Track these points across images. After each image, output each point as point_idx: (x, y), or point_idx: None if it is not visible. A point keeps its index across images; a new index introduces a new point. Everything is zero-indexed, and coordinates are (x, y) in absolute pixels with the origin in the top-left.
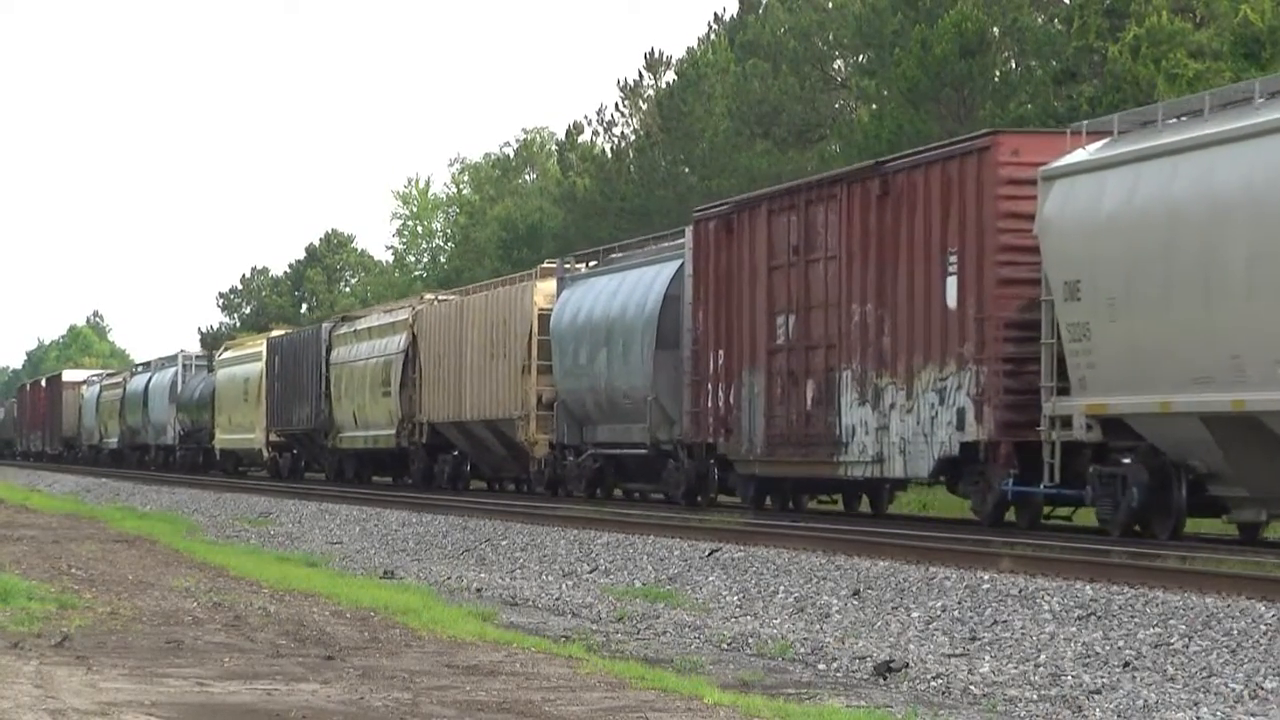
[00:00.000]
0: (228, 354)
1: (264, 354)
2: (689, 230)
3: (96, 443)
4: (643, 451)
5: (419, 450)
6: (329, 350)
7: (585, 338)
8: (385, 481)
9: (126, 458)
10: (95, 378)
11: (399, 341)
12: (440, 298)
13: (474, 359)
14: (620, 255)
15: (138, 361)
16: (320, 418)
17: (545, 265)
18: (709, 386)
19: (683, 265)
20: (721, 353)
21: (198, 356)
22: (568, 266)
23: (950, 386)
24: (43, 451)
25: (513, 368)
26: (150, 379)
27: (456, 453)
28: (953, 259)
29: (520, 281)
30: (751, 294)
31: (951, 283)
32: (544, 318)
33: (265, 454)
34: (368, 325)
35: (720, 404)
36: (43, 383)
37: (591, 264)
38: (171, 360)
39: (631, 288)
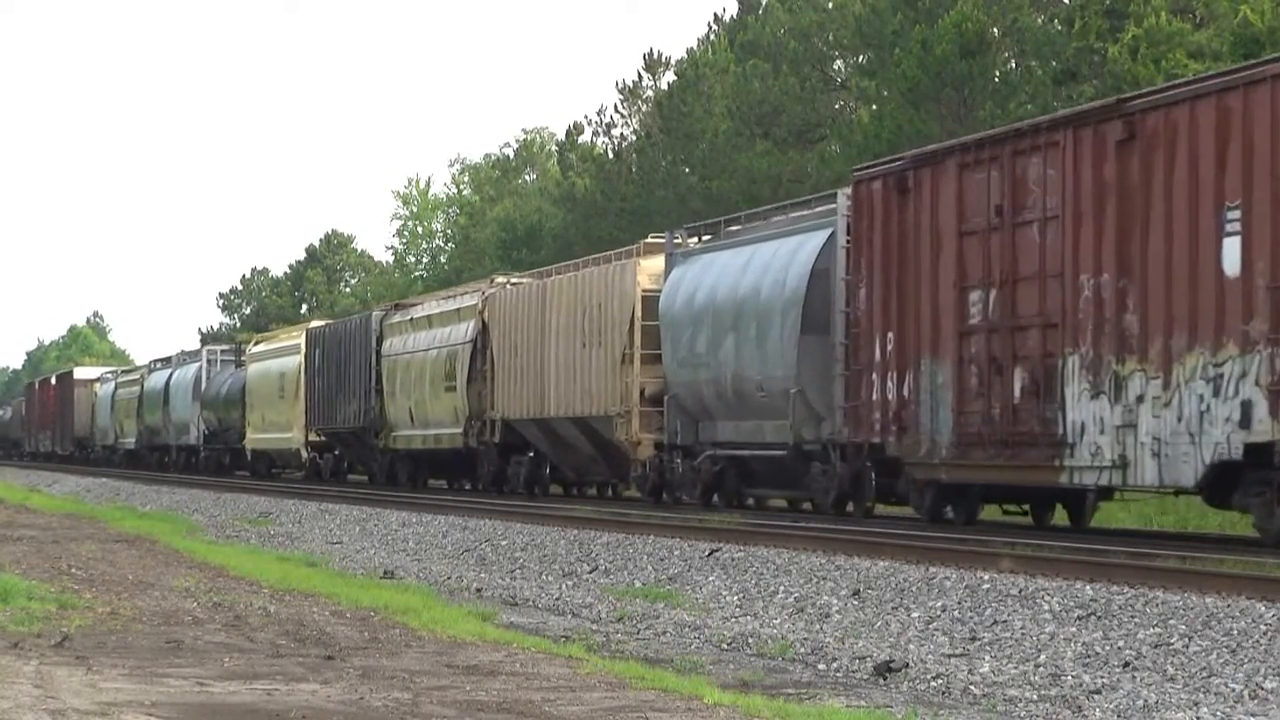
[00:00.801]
0: (260, 347)
1: (303, 346)
2: (842, 194)
3: (111, 443)
4: (778, 453)
5: (490, 451)
6: (380, 341)
7: (705, 321)
8: (448, 485)
9: (144, 459)
10: (110, 374)
11: (466, 330)
12: (513, 280)
13: (560, 348)
14: (742, 228)
15: (156, 357)
16: (369, 415)
17: (650, 240)
18: (872, 377)
19: (833, 235)
20: (891, 336)
21: (224, 350)
22: (678, 242)
23: (1230, 374)
24: (52, 452)
25: (610, 358)
26: (172, 375)
27: (532, 454)
28: (1233, 215)
29: (618, 260)
30: (934, 266)
31: (1231, 245)
32: (649, 300)
33: (304, 455)
34: (427, 313)
35: (889, 397)
36: (52, 380)
37: (705, 238)
38: (195, 355)
39: (766, 263)
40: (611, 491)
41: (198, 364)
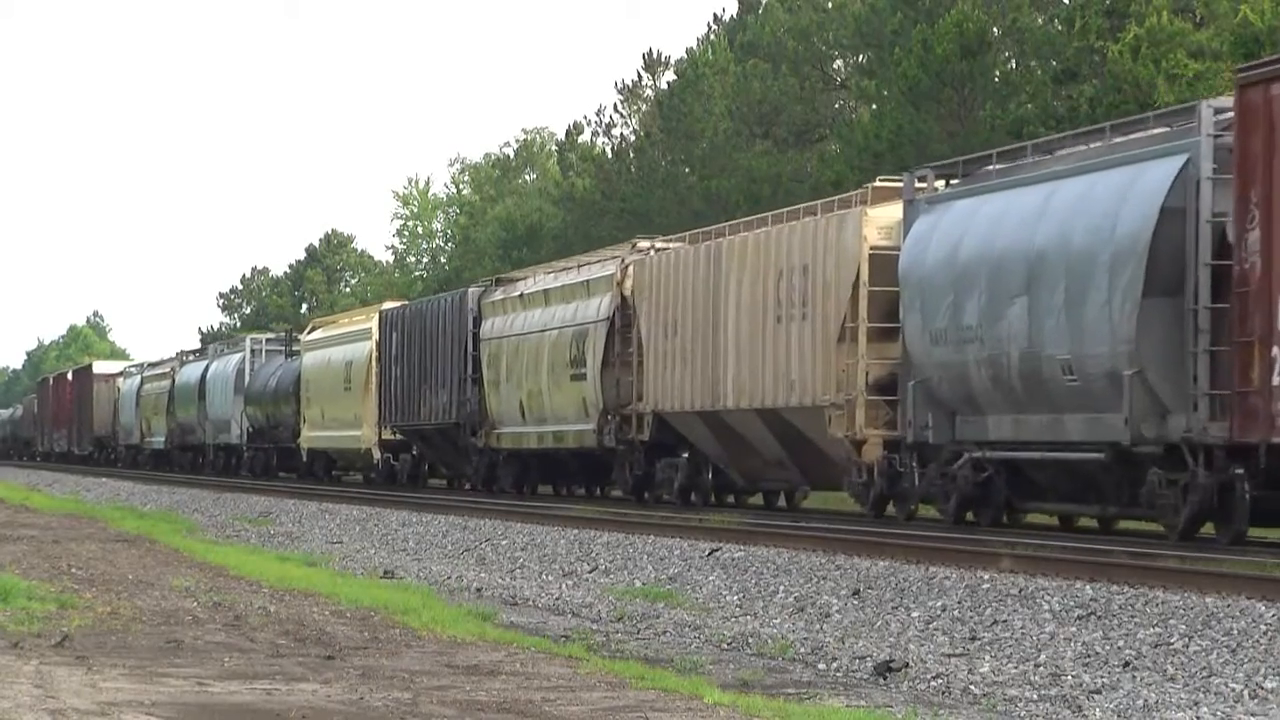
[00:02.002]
0: (318, 334)
1: (374, 331)
2: (1207, 106)
3: (137, 442)
4: (1087, 456)
5: (634, 451)
6: (478, 321)
7: (976, 284)
8: (557, 491)
9: (175, 460)
10: (134, 368)
11: (598, 306)
12: (659, 245)
13: (741, 324)
14: (1027, 162)
15: (188, 349)
16: (466, 409)
17: (880, 184)
18: (1272, 353)
19: (1189, 161)
20: None
21: (270, 339)
22: (922, 186)
23: None
24: (69, 452)
25: (820, 334)
26: (208, 367)
27: (688, 455)
28: None
29: (833, 210)
30: None
31: None
32: (880, 260)
33: (375, 455)
34: (542, 288)
35: None
36: (69, 376)
37: (962, 177)
38: (236, 344)
39: (1074, 204)
40: (786, 501)
41: (239, 354)
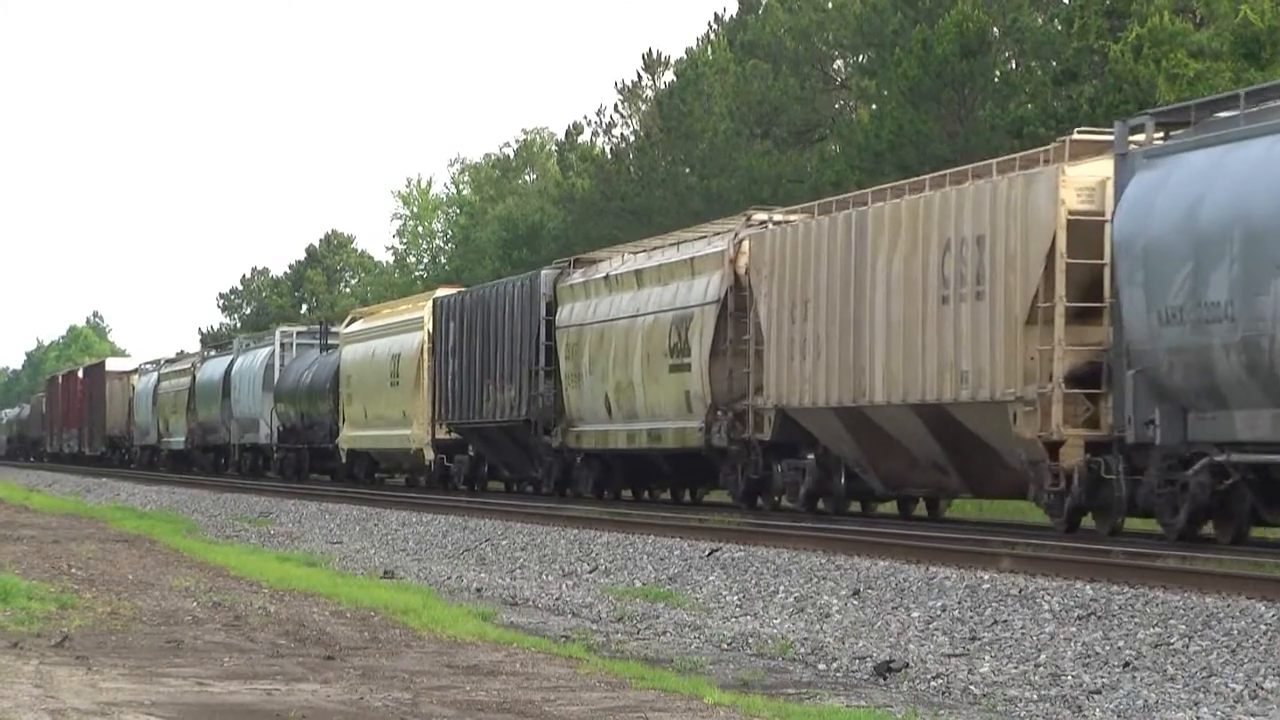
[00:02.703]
0: (359, 325)
1: (426, 320)
2: None
3: (153, 442)
4: None
5: (750, 452)
6: (552, 308)
7: (1225, 250)
8: (638, 496)
9: (196, 461)
10: (150, 365)
11: (705, 287)
12: (778, 217)
13: (893, 306)
14: (1271, 107)
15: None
16: (538, 405)
17: (1079, 137)
18: None
19: None
20: None
21: (302, 332)
22: (1136, 139)
23: None
24: (80, 453)
25: (1004, 316)
26: (234, 362)
27: (813, 455)
28: None
29: (1014, 170)
30: None
31: None
32: (1081, 227)
33: (427, 456)
34: (633, 268)
35: None
36: (79, 373)
37: (1194, 124)
38: (261, 338)
39: None
40: (928, 509)
41: (268, 348)
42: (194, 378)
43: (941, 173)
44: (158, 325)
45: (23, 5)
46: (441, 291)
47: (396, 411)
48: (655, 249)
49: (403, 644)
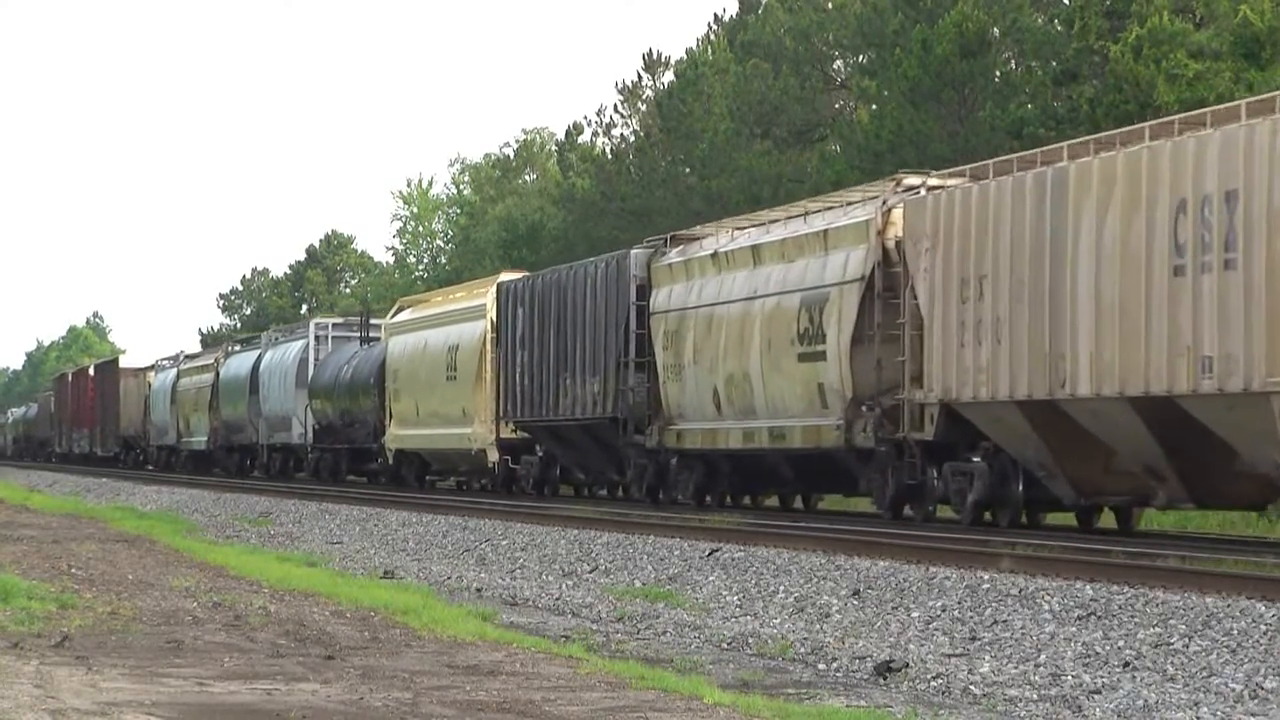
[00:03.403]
0: (407, 315)
1: (489, 308)
2: None
3: (172, 443)
4: None
5: (905, 453)
6: (645, 291)
7: None
8: (734, 501)
9: (219, 462)
10: (167, 361)
11: (847, 262)
12: (934, 182)
13: (1104, 280)
14: None
15: (239, 337)
16: (628, 400)
17: None
18: None
19: None
20: None
21: (339, 324)
22: None
23: None
24: (91, 454)
25: (1264, 290)
26: (262, 357)
27: (979, 458)
28: None
29: (1276, 110)
30: None
31: None
32: None
33: (490, 457)
34: (751, 243)
35: None
36: (90, 370)
37: None
38: (294, 330)
39: None
40: (1118, 520)
41: (301, 341)
42: (218, 374)
43: (1168, 119)
44: (158, 325)
45: (23, 5)
46: (506, 276)
47: (454, 408)
48: (774, 221)
49: (403, 644)
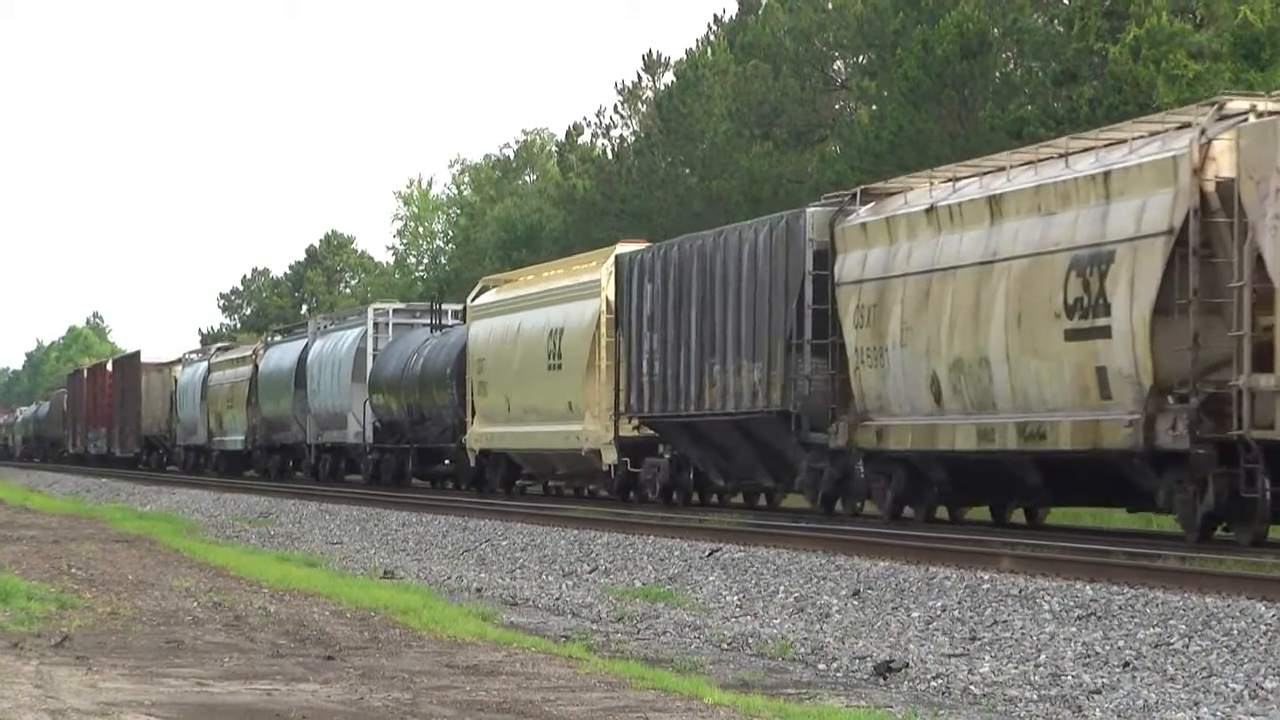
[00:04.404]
0: (492, 296)
1: (605, 283)
2: None
3: (202, 442)
4: None
5: (1227, 457)
6: (825, 258)
7: None
8: (975, 515)
9: (258, 464)
10: (195, 354)
11: (1139, 213)
12: (1268, 106)
13: None
14: None
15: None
16: (801, 390)
17: None
18: None
19: None
20: None
21: (400, 310)
22: None
23: None
24: (109, 454)
25: None
26: (309, 347)
27: None
28: None
29: None
30: None
31: None
32: None
33: (607, 459)
34: (985, 194)
35: None
36: (108, 366)
37: None
38: (347, 318)
39: None
40: None
41: (358, 329)
42: (256, 366)
43: None
44: (158, 326)
45: (24, 5)
46: (626, 247)
47: (557, 402)
48: (1018, 166)
49: (403, 644)
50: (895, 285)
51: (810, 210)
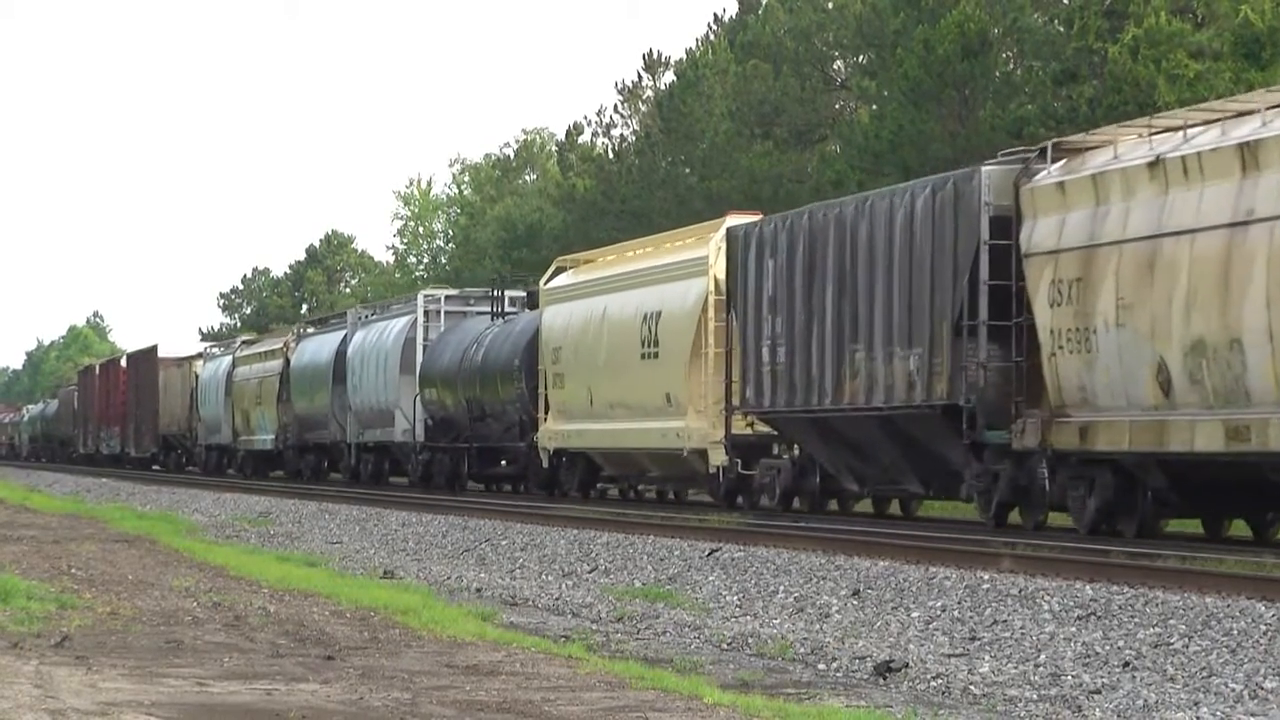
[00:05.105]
0: (567, 278)
1: (713, 259)
2: None
3: (226, 441)
4: None
5: None
6: (1005, 224)
7: None
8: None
9: (290, 465)
10: (218, 348)
11: None
12: None
13: None
14: None
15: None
16: (975, 381)
17: None
18: None
19: None
20: None
21: (452, 297)
22: None
23: None
24: (122, 454)
25: None
26: (349, 338)
27: None
28: None
29: None
30: None
31: None
32: None
33: (715, 460)
34: (1226, 142)
35: None
36: (122, 362)
37: None
38: (391, 306)
39: None
40: None
41: (406, 317)
42: (287, 360)
43: None
44: (158, 325)
45: (23, 5)
46: (738, 219)
47: (653, 395)
48: (1275, 106)
49: (403, 644)
50: (1106, 254)
51: (986, 169)
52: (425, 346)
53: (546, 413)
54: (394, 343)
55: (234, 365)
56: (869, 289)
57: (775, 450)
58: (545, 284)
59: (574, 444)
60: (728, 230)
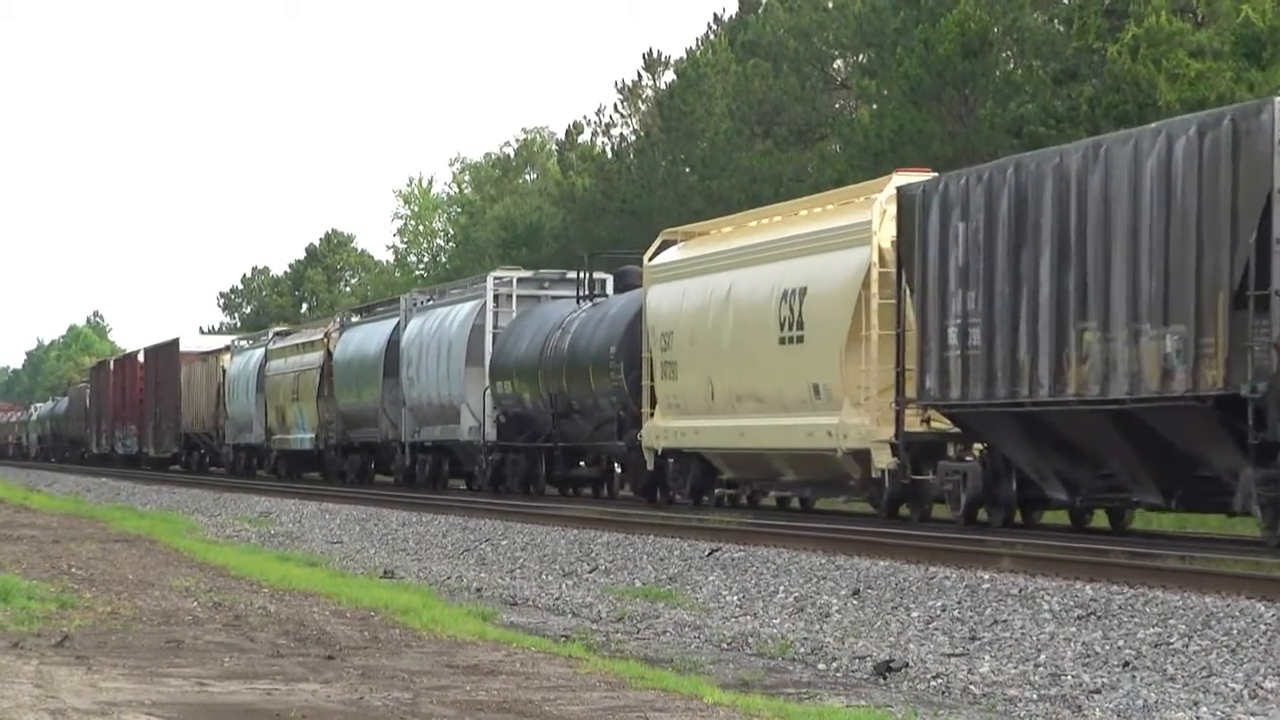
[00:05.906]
0: (675, 253)
1: (876, 224)
2: None
3: (258, 441)
4: None
5: None
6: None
7: None
8: None
9: (333, 466)
10: (246, 341)
11: None
12: None
13: None
14: None
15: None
16: (1260, 366)
17: None
18: None
19: None
20: None
21: (525, 279)
22: None
23: None
24: (140, 454)
25: None
26: (403, 326)
27: None
28: None
29: None
30: None
31: None
32: None
33: (879, 464)
34: None
35: None
36: (139, 357)
37: None
38: (448, 292)
39: None
40: None
41: (474, 302)
42: (329, 352)
43: None
44: (158, 325)
45: (24, 5)
46: (907, 177)
47: (795, 387)
48: None
49: (403, 644)
50: None
51: (1276, 103)
52: (496, 334)
53: (652, 407)
54: (459, 331)
55: (266, 358)
56: (1103, 254)
57: (950, 451)
58: (650, 260)
59: (689, 443)
60: (899, 190)
